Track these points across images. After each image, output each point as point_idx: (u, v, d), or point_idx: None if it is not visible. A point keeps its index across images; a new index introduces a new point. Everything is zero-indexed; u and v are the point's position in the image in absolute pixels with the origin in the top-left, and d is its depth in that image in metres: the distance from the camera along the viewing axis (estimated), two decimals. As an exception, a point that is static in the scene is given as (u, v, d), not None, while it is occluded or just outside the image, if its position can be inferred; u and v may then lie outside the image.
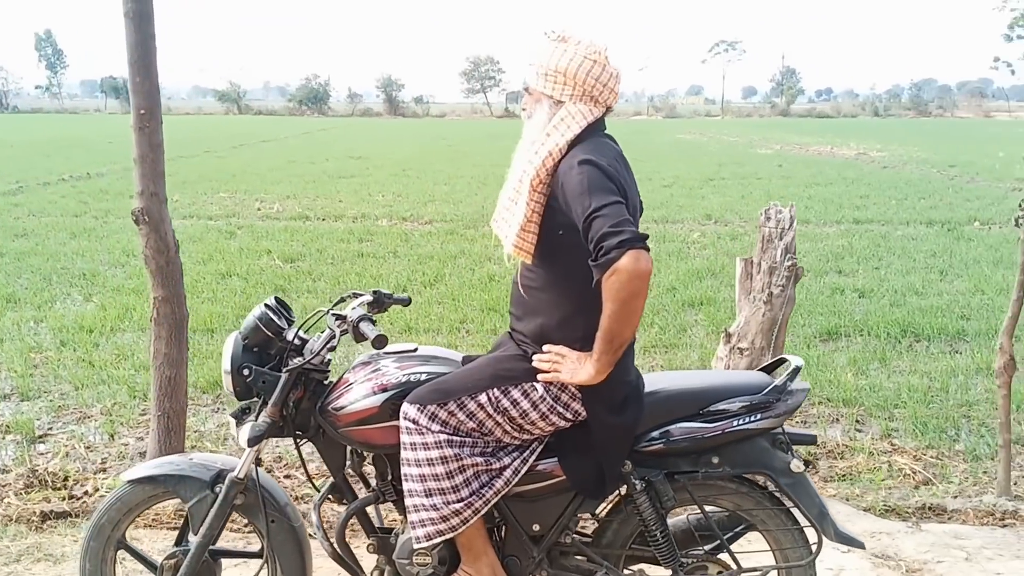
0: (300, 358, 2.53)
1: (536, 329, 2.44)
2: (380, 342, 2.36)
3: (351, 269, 9.29)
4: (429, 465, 2.38)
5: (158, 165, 3.43)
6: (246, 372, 2.52)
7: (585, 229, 2.18)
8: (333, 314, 2.57)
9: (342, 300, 2.75)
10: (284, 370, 2.51)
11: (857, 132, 45.23)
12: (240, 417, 2.60)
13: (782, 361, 2.60)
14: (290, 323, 2.66)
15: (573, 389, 2.38)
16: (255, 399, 2.58)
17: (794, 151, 29.96)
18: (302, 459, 2.70)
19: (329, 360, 2.62)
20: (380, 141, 35.97)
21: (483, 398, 2.41)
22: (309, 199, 15.59)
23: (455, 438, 2.41)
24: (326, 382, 2.62)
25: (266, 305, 2.60)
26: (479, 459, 2.42)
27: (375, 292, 2.75)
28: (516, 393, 2.41)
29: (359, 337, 2.42)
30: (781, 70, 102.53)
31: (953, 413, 5.18)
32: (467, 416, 2.42)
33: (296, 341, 2.58)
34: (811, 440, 2.53)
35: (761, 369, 2.61)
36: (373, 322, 2.46)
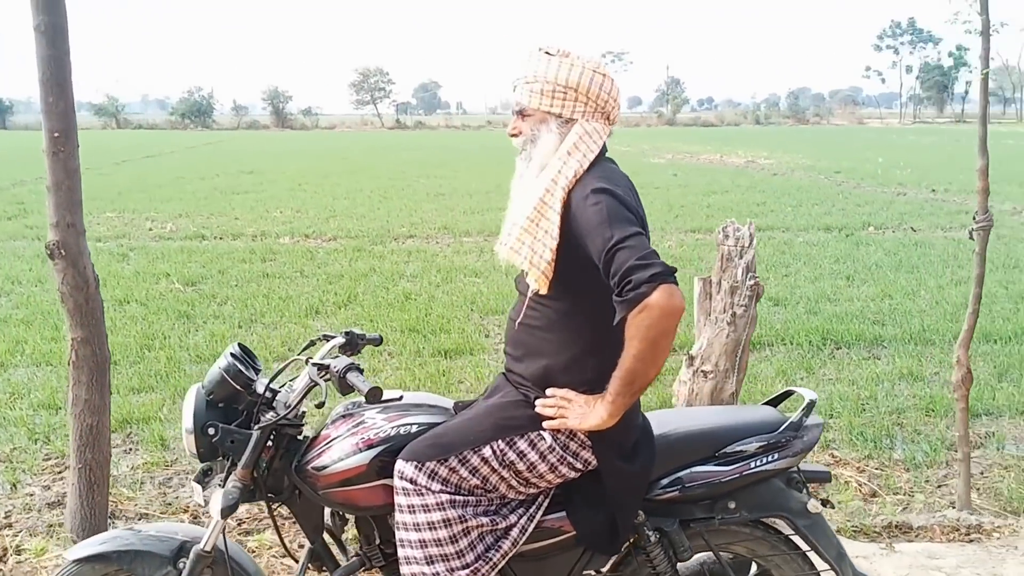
0: (273, 413, 2.28)
1: (539, 371, 2.24)
2: (374, 395, 2.12)
3: (257, 291, 8.88)
4: (430, 529, 2.15)
5: (75, 193, 3.10)
6: (212, 431, 2.25)
7: (607, 262, 2.01)
8: (314, 363, 2.32)
9: (312, 344, 2.51)
10: (255, 427, 2.26)
11: (742, 140, 46.65)
12: (203, 481, 2.33)
13: (788, 394, 2.50)
14: (257, 372, 2.40)
15: (583, 436, 2.19)
16: (219, 459, 2.31)
17: (686, 160, 30.61)
18: (276, 526, 2.42)
19: (303, 413, 2.37)
20: (271, 155, 35.07)
21: (487, 451, 2.20)
22: (203, 217, 14.97)
23: (458, 497, 2.19)
24: (300, 437, 2.38)
25: (232, 355, 2.33)
26: (484, 519, 2.20)
27: (347, 333, 2.52)
28: (522, 444, 2.20)
29: (345, 389, 2.18)
30: (666, 80, 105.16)
31: (885, 421, 5.24)
32: (470, 472, 2.20)
33: (267, 394, 2.33)
34: (826, 477, 2.42)
35: (767, 403, 2.50)
36: (360, 371, 2.23)
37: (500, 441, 2.20)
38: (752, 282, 3.49)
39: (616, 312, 2.04)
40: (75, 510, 3.22)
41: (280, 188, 20.13)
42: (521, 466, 2.20)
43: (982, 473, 4.49)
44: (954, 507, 3.77)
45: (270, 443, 2.29)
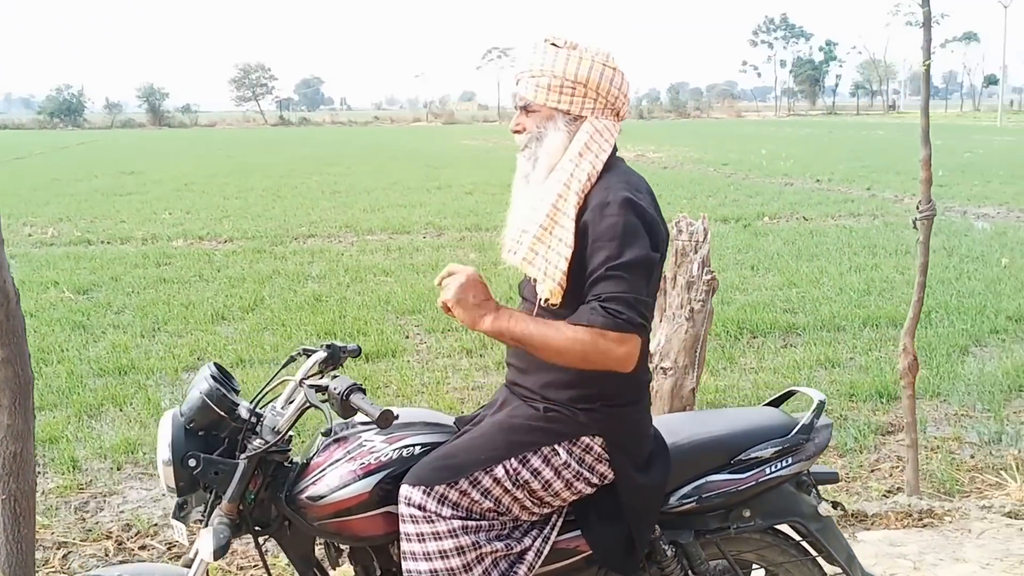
0: (260, 440, 2.09)
1: (545, 384, 2.12)
2: (385, 420, 1.94)
3: (156, 297, 8.45)
4: (442, 558, 1.99)
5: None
6: (193, 463, 2.03)
7: (600, 278, 1.93)
8: (310, 384, 2.12)
9: (292, 360, 2.32)
10: (242, 456, 2.06)
11: (628, 134, 47.43)
12: (181, 516, 2.11)
13: (789, 394, 2.45)
14: (236, 394, 2.20)
15: (599, 449, 2.08)
16: (198, 492, 2.10)
17: (577, 154, 30.89)
18: (264, 561, 2.20)
19: (291, 437, 2.18)
20: (151, 154, 33.73)
21: (499, 471, 2.05)
22: (86, 221, 14.21)
23: (470, 522, 2.03)
24: (288, 464, 2.19)
25: (212, 377, 2.12)
26: (499, 544, 2.05)
27: (329, 346, 2.33)
28: (536, 461, 2.07)
29: (348, 412, 2.00)
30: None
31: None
32: (482, 495, 2.06)
33: (252, 419, 2.13)
34: (834, 478, 2.39)
35: (768, 404, 2.44)
36: (363, 391, 2.05)
37: (513, 459, 2.07)
38: (708, 277, 3.47)
39: (579, 313, 1.96)
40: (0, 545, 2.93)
41: (166, 189, 19.34)
42: (536, 484, 2.08)
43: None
44: (903, 492, 3.85)
45: (257, 472, 2.10)
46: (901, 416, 5.17)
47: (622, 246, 1.92)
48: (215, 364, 2.22)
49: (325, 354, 2.29)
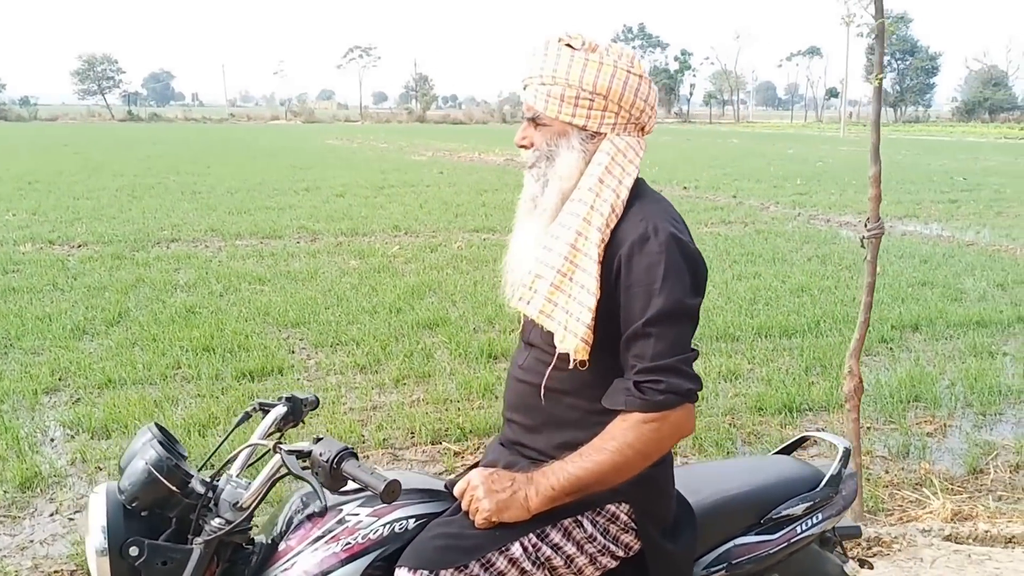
0: (219, 519, 1.71)
1: (562, 444, 1.81)
2: (391, 493, 1.59)
3: (5, 309, 7.63)
4: None
5: None
6: (135, 551, 1.64)
7: (638, 335, 1.68)
8: (288, 450, 1.74)
9: (247, 418, 1.94)
10: (196, 540, 1.68)
11: (494, 138, 47.51)
12: None
13: (802, 440, 2.24)
14: (184, 460, 1.81)
15: (625, 518, 1.80)
16: None
17: (445, 157, 30.65)
18: None
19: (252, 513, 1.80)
20: (-13, 149, 31.31)
21: (516, 550, 1.75)
22: (-84, 221, 12.91)
23: None
24: (247, 545, 1.80)
25: (159, 443, 1.73)
26: None
27: (289, 399, 1.96)
28: (556, 535, 1.78)
29: (338, 483, 1.64)
30: (414, 77, 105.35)
31: (721, 423, 5.24)
32: None
33: (208, 492, 1.75)
34: (857, 532, 2.20)
35: (780, 451, 2.22)
36: (356, 456, 1.69)
37: (532, 535, 1.76)
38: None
39: (612, 392, 1.73)
40: None
41: (7, 187, 17.86)
42: (557, 561, 1.79)
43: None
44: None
45: (214, 558, 1.72)
46: (813, 431, 5.16)
47: (662, 293, 1.68)
48: (157, 426, 1.83)
49: (285, 409, 1.94)
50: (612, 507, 1.81)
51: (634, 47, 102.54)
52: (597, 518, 1.81)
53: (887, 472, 4.59)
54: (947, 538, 3.52)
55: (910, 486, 4.39)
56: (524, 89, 1.87)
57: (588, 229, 1.76)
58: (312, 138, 45.84)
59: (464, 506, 1.76)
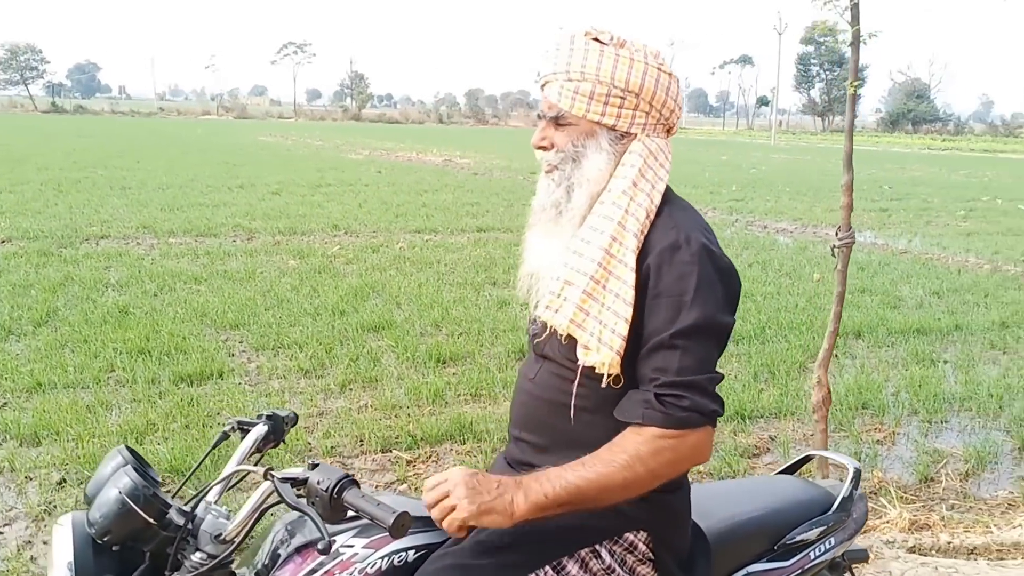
0: (200, 553, 1.55)
1: None
2: (401, 527, 1.44)
3: (-79, 307, 7.24)
4: None
5: None
6: None
7: (658, 345, 1.57)
8: (282, 477, 1.55)
9: (225, 438, 1.78)
10: None
11: (431, 138, 47.36)
12: None
13: (806, 460, 2.15)
14: (158, 485, 1.64)
15: (643, 548, 1.69)
16: None
17: (383, 157, 30.36)
18: None
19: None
20: (-100, 138, 29.97)
21: None
22: None
23: None
24: None
25: (134, 470, 1.56)
26: None
27: (270, 417, 1.81)
28: (573, 567, 1.66)
29: (338, 514, 1.50)
30: (350, 74, 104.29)
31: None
32: None
33: (188, 523, 1.58)
34: (864, 556, 2.12)
35: (783, 471, 2.13)
36: (357, 484, 1.54)
37: (548, 567, 1.64)
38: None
39: (628, 404, 1.61)
40: None
41: (-78, 178, 17.08)
42: None
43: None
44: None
45: None
46: (767, 438, 5.16)
47: (693, 306, 1.57)
48: (128, 448, 1.67)
49: (266, 428, 1.78)
50: (631, 535, 1.70)
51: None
52: (615, 548, 1.69)
53: (840, 480, 4.58)
54: (911, 549, 3.51)
55: (868, 496, 4.39)
56: (544, 87, 1.74)
57: (624, 234, 1.64)
58: (245, 134, 45.00)
59: (430, 502, 1.55)
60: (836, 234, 3.10)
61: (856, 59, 2.87)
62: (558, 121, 1.72)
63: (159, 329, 6.72)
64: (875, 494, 4.40)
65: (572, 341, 1.66)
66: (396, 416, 5.24)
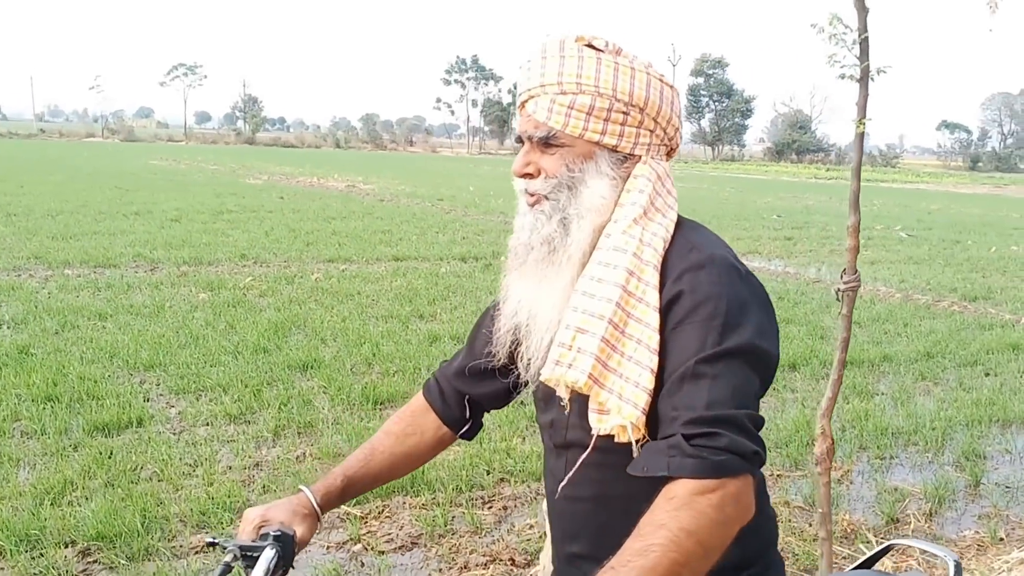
0: None
1: None
2: None
3: None
4: None
5: None
6: None
7: (683, 376, 1.28)
8: None
9: (228, 570, 1.41)
10: None
11: (330, 163, 46.58)
12: None
13: (887, 550, 1.90)
14: None
15: None
16: None
17: (283, 182, 29.58)
18: None
19: None
20: None
21: None
22: None
23: None
24: None
25: None
26: None
27: (278, 538, 1.46)
28: None
29: None
30: (243, 97, 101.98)
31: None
32: None
33: None
34: None
35: (864, 563, 1.88)
36: None
37: None
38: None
39: (649, 454, 1.28)
40: None
41: None
42: None
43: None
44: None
45: None
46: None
47: (725, 329, 1.30)
48: None
49: (274, 552, 1.45)
50: None
51: (467, 79, 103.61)
52: None
53: (810, 525, 4.46)
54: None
55: (837, 539, 4.27)
56: (526, 103, 1.47)
57: (642, 268, 1.38)
58: (134, 158, 43.32)
59: None
60: (841, 277, 2.96)
61: (865, 96, 2.75)
62: (547, 143, 1.45)
63: (66, 372, 6.16)
64: (847, 538, 4.29)
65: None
66: (338, 465, 4.86)
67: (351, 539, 4.10)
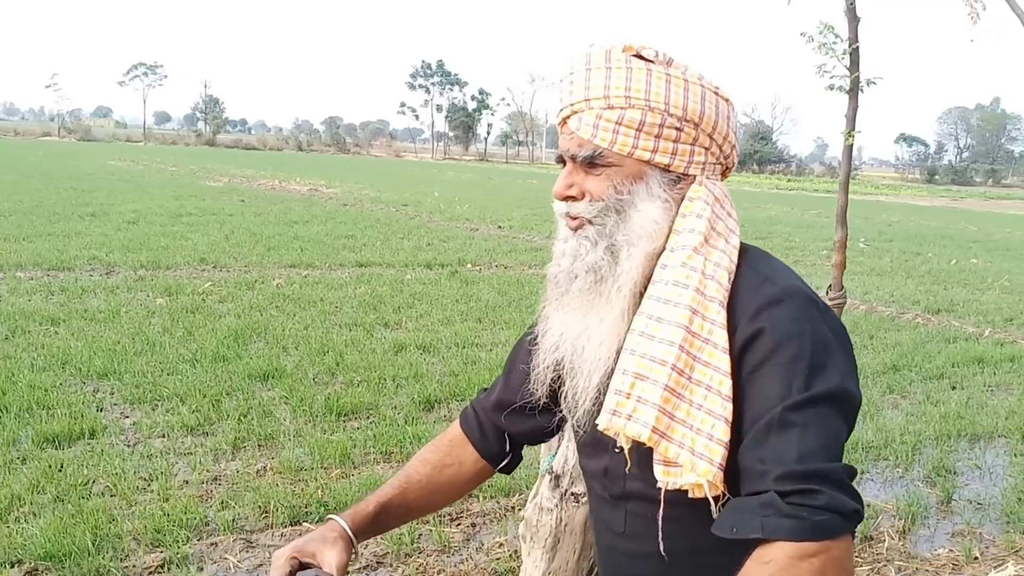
0: None
1: None
2: None
3: None
4: None
5: None
6: None
7: (771, 426, 1.15)
8: None
9: None
10: None
11: (293, 166, 46.14)
12: None
13: None
14: None
15: None
16: None
17: (244, 184, 29.19)
18: None
19: None
20: None
21: None
22: None
23: None
24: None
25: None
26: None
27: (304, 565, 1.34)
28: None
29: None
30: (204, 98, 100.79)
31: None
32: None
33: None
34: None
35: None
36: None
37: None
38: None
39: (736, 513, 1.16)
40: None
41: None
42: None
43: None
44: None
45: None
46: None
47: (812, 371, 1.17)
48: None
49: None
50: None
51: (433, 84, 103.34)
52: None
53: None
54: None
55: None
56: (568, 119, 1.35)
57: (706, 305, 1.25)
58: (92, 158, 42.51)
59: None
60: (827, 293, 2.87)
61: (855, 106, 2.67)
62: (592, 162, 1.33)
63: (15, 380, 5.91)
64: (824, 558, 4.21)
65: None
66: (301, 481, 4.71)
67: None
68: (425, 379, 6.63)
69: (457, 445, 1.62)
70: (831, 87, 2.70)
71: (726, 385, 1.20)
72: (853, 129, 2.65)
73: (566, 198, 1.36)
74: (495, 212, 23.26)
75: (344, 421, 5.70)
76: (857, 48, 2.63)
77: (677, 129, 1.30)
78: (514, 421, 1.58)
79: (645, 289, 1.31)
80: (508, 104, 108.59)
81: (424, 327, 8.53)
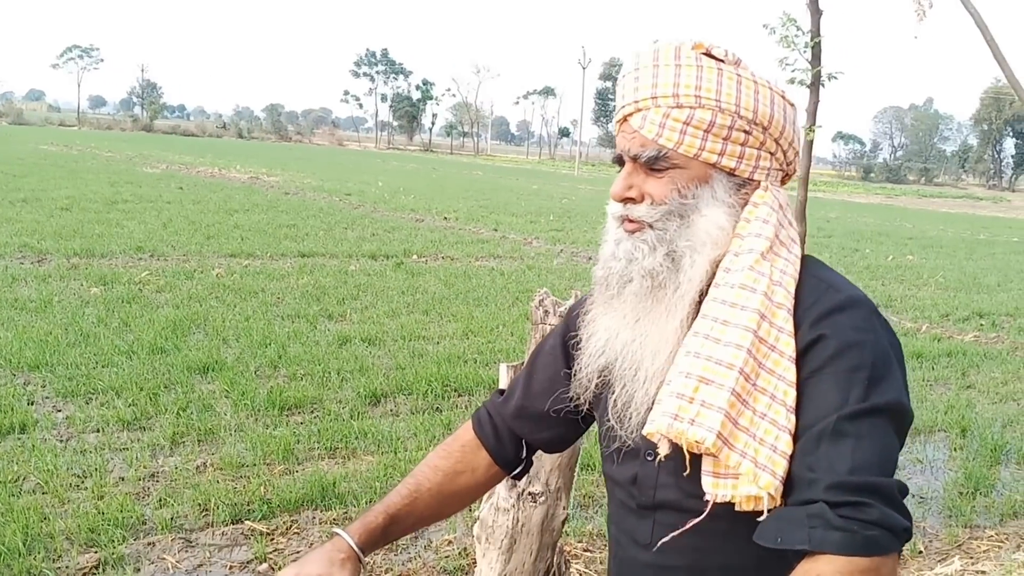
0: None
1: None
2: None
3: None
4: None
5: None
6: None
7: (824, 434, 1.10)
8: None
9: None
10: None
11: (233, 153, 45.33)
12: None
13: None
14: None
15: None
16: None
17: (183, 171, 28.56)
18: None
19: None
20: None
21: None
22: None
23: None
24: None
25: None
26: None
27: None
28: None
29: None
30: (141, 83, 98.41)
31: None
32: None
33: None
34: None
35: None
36: None
37: None
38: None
39: (782, 522, 1.10)
40: None
41: None
42: None
43: None
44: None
45: None
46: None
47: (871, 383, 1.13)
48: None
49: None
50: None
51: (377, 72, 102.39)
52: None
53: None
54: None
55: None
56: (629, 117, 1.29)
57: (774, 311, 1.19)
58: (23, 142, 41.25)
59: None
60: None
61: (816, 101, 2.64)
62: (654, 164, 1.26)
63: (-62, 372, 5.65)
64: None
65: (698, 470, 1.20)
66: (243, 477, 4.57)
67: (256, 558, 3.82)
68: (370, 372, 6.52)
69: (470, 451, 1.53)
70: (792, 81, 2.68)
71: (791, 396, 1.15)
72: (814, 124, 2.63)
73: (625, 200, 1.29)
74: (440, 203, 23.12)
75: (287, 415, 5.56)
76: (819, 42, 2.61)
77: (746, 132, 1.25)
78: (534, 428, 1.51)
79: (703, 295, 1.26)
80: (453, 95, 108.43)
81: (369, 319, 8.40)
